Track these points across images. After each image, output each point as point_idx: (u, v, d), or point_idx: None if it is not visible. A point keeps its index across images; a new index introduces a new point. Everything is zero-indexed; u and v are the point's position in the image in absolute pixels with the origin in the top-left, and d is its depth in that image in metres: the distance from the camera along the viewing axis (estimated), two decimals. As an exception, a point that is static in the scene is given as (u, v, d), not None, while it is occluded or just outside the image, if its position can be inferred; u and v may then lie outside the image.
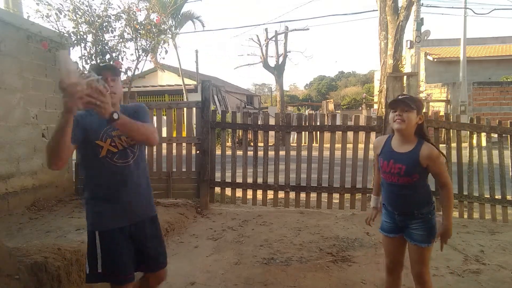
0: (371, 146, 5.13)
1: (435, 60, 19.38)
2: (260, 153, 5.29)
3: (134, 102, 2.03)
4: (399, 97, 2.07)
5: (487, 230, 4.35)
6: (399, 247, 2.22)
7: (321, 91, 48.79)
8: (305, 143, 6.25)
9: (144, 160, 2.00)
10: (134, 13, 5.24)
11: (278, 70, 19.58)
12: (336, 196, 5.24)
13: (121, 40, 5.24)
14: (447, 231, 2.04)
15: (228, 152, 5.48)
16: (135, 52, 5.38)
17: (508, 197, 4.89)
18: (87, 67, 5.17)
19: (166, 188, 5.31)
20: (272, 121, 5.94)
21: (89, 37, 5.11)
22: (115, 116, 1.63)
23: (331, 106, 23.50)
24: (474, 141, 5.08)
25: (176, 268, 3.18)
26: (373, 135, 5.11)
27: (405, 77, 5.05)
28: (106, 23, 5.11)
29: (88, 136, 1.79)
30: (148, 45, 5.40)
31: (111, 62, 5.16)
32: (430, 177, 2.10)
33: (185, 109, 5.64)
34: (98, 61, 5.14)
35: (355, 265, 3.33)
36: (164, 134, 5.70)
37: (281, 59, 19.57)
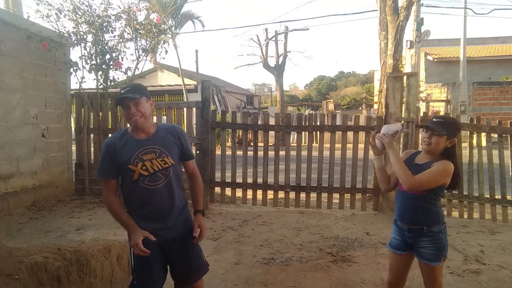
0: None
1: (435, 60, 19.37)
2: (260, 153, 5.29)
3: (170, 124, 2.08)
4: (434, 119, 2.10)
5: (487, 230, 4.35)
6: (405, 264, 2.23)
7: (321, 91, 48.77)
8: (305, 143, 6.25)
9: (180, 179, 2.05)
10: (134, 13, 5.24)
11: (278, 70, 19.58)
12: (336, 196, 5.24)
13: (121, 40, 5.24)
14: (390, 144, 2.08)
15: (228, 152, 5.48)
16: (135, 52, 5.39)
17: (508, 197, 4.89)
18: (87, 67, 5.18)
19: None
20: (272, 121, 5.94)
21: (89, 37, 5.12)
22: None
23: (331, 106, 23.50)
24: (474, 141, 5.08)
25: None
26: (373, 135, 5.10)
27: (405, 77, 5.04)
28: (106, 23, 5.11)
29: (122, 162, 1.89)
30: (148, 45, 5.40)
31: (111, 62, 5.17)
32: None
33: (185, 109, 5.64)
34: (98, 61, 5.14)
35: (355, 265, 3.33)
36: (164, 134, 5.69)
37: (281, 59, 19.58)
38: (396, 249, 2.20)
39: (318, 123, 5.43)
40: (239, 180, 5.31)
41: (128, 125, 1.97)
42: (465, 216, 4.91)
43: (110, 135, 5.46)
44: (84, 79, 5.26)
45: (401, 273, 2.25)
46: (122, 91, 1.88)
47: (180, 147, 2.02)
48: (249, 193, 5.34)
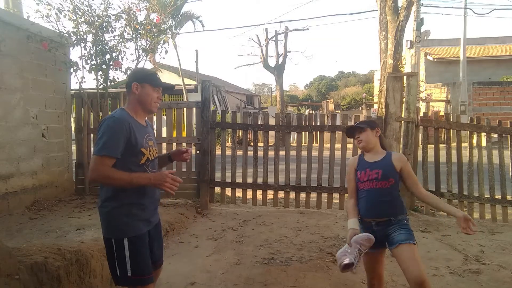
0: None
1: (435, 60, 19.38)
2: (260, 153, 5.29)
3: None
4: (355, 124, 2.45)
5: (487, 230, 4.35)
6: (379, 261, 2.31)
7: (321, 91, 48.76)
8: (305, 143, 6.25)
9: None
10: (134, 13, 5.24)
11: (278, 70, 19.61)
12: (336, 196, 5.24)
13: (121, 40, 5.24)
14: (465, 216, 2.07)
15: (228, 152, 5.48)
16: (135, 52, 5.39)
17: (508, 197, 4.89)
18: (87, 67, 5.18)
19: (166, 188, 5.31)
20: (272, 121, 5.94)
21: (89, 37, 5.12)
22: None
23: (331, 106, 23.53)
24: (474, 141, 5.08)
25: (176, 268, 3.19)
26: (373, 135, 5.10)
27: (405, 77, 5.04)
28: (106, 23, 5.11)
29: (134, 142, 1.83)
30: (148, 45, 5.40)
31: (111, 62, 5.17)
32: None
33: (185, 109, 5.64)
34: (98, 61, 5.14)
35: (355, 265, 3.33)
36: (164, 134, 5.70)
37: (281, 59, 19.62)
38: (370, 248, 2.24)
39: (318, 123, 5.43)
40: (239, 180, 5.31)
41: (125, 106, 1.95)
42: (465, 216, 4.90)
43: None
44: (84, 79, 5.26)
45: (378, 271, 2.31)
46: (158, 76, 1.98)
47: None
48: (249, 193, 5.34)
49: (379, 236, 2.20)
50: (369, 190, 2.25)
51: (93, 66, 5.15)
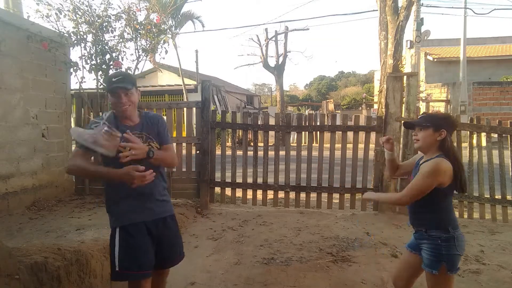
0: (371, 146, 5.15)
1: (435, 60, 19.37)
2: (260, 153, 5.29)
3: (154, 113, 2.20)
4: (419, 116, 2.20)
5: (487, 230, 4.35)
6: (409, 264, 2.17)
7: (321, 91, 48.74)
8: (305, 143, 6.25)
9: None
10: (134, 13, 5.24)
11: (278, 70, 19.61)
12: (336, 196, 5.24)
13: (121, 40, 5.23)
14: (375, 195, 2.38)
15: (228, 152, 5.48)
16: (135, 52, 5.38)
17: (508, 197, 4.89)
18: (87, 67, 5.18)
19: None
20: (272, 121, 5.94)
21: (89, 37, 5.11)
22: (151, 154, 1.89)
23: (331, 106, 23.53)
24: (474, 141, 5.08)
25: (176, 268, 3.16)
26: (373, 135, 5.11)
27: (405, 77, 5.04)
28: (106, 23, 5.11)
29: None
30: (148, 45, 5.40)
31: (111, 62, 5.16)
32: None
33: (185, 109, 5.64)
34: (98, 61, 5.14)
35: (355, 265, 3.33)
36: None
37: (281, 59, 19.62)
38: (408, 245, 2.20)
39: (318, 123, 5.43)
40: (239, 180, 5.31)
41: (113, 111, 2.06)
42: (465, 216, 4.91)
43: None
44: (84, 79, 5.25)
45: (402, 272, 2.21)
46: (113, 79, 1.95)
47: (157, 133, 2.09)
48: (249, 193, 5.34)
49: (417, 242, 2.11)
50: None
51: (93, 66, 5.15)
